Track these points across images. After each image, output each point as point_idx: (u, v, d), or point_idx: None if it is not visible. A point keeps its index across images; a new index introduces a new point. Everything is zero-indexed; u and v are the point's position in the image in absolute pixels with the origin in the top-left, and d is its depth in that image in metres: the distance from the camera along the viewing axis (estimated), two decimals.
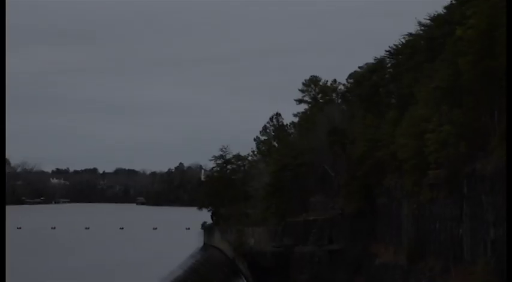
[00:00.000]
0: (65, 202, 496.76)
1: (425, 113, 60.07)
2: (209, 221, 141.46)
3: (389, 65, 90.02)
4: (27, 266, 76.74)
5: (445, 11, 69.74)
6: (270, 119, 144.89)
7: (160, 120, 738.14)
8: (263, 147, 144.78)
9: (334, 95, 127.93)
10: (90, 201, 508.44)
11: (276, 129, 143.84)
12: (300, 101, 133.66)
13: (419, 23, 76.83)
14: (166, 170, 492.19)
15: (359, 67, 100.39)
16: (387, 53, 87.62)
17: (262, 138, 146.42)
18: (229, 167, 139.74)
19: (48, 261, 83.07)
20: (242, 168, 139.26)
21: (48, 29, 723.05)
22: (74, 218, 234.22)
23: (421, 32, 78.25)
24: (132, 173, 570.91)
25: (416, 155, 60.73)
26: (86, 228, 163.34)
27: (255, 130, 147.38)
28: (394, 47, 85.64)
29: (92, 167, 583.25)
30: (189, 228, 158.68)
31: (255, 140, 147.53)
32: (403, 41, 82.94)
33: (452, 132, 54.33)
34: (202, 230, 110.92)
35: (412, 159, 61.61)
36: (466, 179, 51.73)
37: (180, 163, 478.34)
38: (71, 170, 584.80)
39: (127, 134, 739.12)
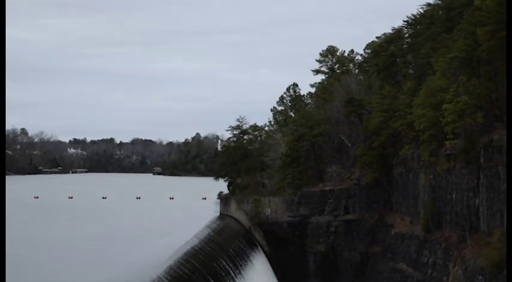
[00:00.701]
0: (82, 172, 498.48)
1: (442, 83, 59.85)
2: (225, 191, 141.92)
3: (407, 35, 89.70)
4: (44, 235, 77.19)
5: None
6: (287, 89, 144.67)
7: (177, 91, 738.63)
8: (280, 118, 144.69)
9: (351, 65, 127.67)
10: (107, 171, 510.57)
11: (292, 99, 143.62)
12: (317, 72, 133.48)
13: None
14: (183, 140, 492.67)
15: (376, 37, 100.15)
16: (405, 23, 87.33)
17: (279, 108, 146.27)
18: (245, 137, 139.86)
19: (64, 230, 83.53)
20: (259, 138, 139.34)
21: (65, 2, 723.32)
22: (91, 187, 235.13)
23: (439, 2, 77.91)
24: (148, 143, 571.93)
25: (434, 126, 60.61)
26: (102, 197, 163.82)
27: (272, 101, 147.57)
28: (412, 17, 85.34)
29: (108, 137, 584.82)
30: (205, 198, 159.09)
31: (271, 110, 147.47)
32: (421, 11, 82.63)
33: (470, 102, 54.16)
34: (219, 200, 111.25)
35: (429, 129, 61.46)
36: (483, 149, 51.58)
37: (197, 133, 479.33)
38: (88, 140, 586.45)
39: (144, 104, 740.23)
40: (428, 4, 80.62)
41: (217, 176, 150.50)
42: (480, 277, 48.04)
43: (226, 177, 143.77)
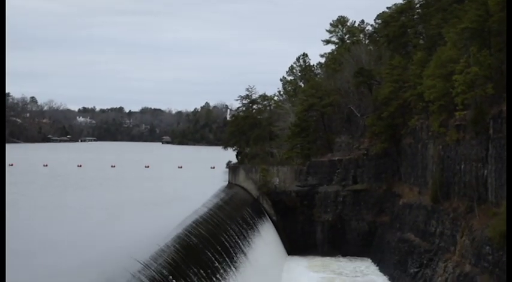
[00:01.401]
0: (91, 140, 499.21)
1: (453, 54, 59.56)
2: (234, 160, 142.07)
3: (418, 5, 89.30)
4: (52, 204, 77.46)
5: None
6: (297, 59, 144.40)
7: (186, 60, 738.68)
8: (289, 88, 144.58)
9: (361, 35, 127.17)
10: (115, 139, 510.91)
11: (302, 69, 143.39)
12: (327, 42, 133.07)
13: None
14: (192, 109, 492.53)
15: (387, 7, 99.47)
16: None
17: (289, 78, 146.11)
18: (255, 106, 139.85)
19: (72, 199, 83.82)
20: (268, 108, 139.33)
21: None
22: (99, 156, 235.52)
23: None
24: (158, 112, 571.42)
25: (443, 96, 60.44)
26: (111, 166, 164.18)
27: (282, 70, 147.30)
28: None
29: (118, 106, 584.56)
30: (214, 167, 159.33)
31: (281, 80, 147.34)
32: None
33: (480, 73, 53.92)
34: (227, 169, 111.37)
35: (439, 100, 61.30)
36: (492, 120, 51.41)
37: (206, 102, 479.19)
38: (97, 108, 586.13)
39: (153, 73, 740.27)
40: None
41: (226, 146, 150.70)
42: (487, 247, 48.13)
43: (235, 147, 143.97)
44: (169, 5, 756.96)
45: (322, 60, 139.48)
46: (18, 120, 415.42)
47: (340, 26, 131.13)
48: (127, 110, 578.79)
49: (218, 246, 54.53)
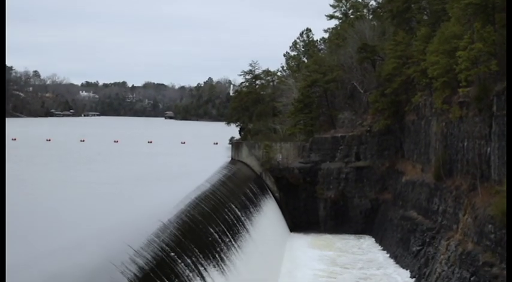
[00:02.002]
0: (94, 115, 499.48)
1: (457, 30, 59.21)
2: (237, 136, 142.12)
3: None
4: (55, 178, 77.50)
5: None
6: (300, 34, 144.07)
7: (190, 35, 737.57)
8: (292, 63, 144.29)
9: (365, 10, 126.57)
10: (119, 114, 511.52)
11: (305, 44, 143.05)
12: (330, 17, 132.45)
13: None
14: (195, 84, 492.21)
15: None
16: None
17: (292, 53, 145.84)
18: (258, 82, 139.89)
19: (75, 173, 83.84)
20: (271, 83, 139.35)
21: None
22: (103, 130, 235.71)
23: None
24: (161, 87, 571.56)
25: (447, 73, 60.15)
26: (114, 141, 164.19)
27: (285, 46, 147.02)
28: None
29: (121, 81, 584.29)
30: (217, 143, 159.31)
31: (284, 55, 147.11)
32: None
33: (484, 50, 53.60)
34: (230, 145, 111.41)
35: (442, 76, 61.01)
36: (496, 97, 51.13)
37: (209, 78, 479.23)
38: (100, 83, 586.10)
39: (157, 48, 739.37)
40: None
41: (229, 121, 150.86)
42: (490, 226, 48.01)
43: (238, 123, 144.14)
44: None
45: (326, 35, 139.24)
46: (21, 94, 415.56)
47: (344, 1, 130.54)
48: (130, 85, 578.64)
49: (221, 223, 54.60)
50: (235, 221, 60.25)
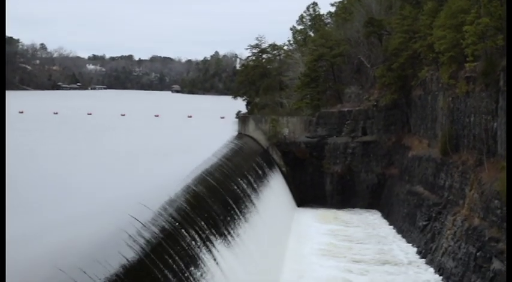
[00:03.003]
0: (101, 88, 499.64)
1: (463, 4, 59.03)
2: (244, 110, 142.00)
3: None
4: (61, 151, 77.84)
5: None
6: (307, 8, 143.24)
7: (197, 8, 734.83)
8: (299, 37, 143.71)
9: None
10: (125, 88, 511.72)
11: (312, 18, 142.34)
12: None
13: None
14: (202, 58, 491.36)
15: None
16: None
17: (299, 27, 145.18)
18: (264, 56, 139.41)
19: (82, 147, 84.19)
20: (278, 57, 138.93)
21: None
22: (109, 104, 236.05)
23: None
24: (167, 60, 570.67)
25: (454, 47, 60.05)
26: (121, 114, 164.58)
27: (292, 20, 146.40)
28: None
29: (127, 54, 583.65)
30: (223, 117, 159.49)
31: (291, 29, 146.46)
32: None
33: (491, 24, 53.45)
34: (237, 119, 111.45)
35: (449, 51, 60.91)
36: (502, 72, 51.05)
37: (216, 51, 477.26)
38: (107, 56, 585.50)
39: (163, 21, 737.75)
40: None
41: (235, 95, 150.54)
42: (496, 201, 48.13)
43: (245, 97, 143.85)
44: None
45: (333, 9, 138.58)
46: (28, 67, 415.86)
47: None
48: (137, 58, 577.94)
49: (227, 197, 54.79)
50: (242, 195, 60.46)
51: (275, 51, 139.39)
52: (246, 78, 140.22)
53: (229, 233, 47.62)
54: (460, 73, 60.49)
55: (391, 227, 77.88)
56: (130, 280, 26.94)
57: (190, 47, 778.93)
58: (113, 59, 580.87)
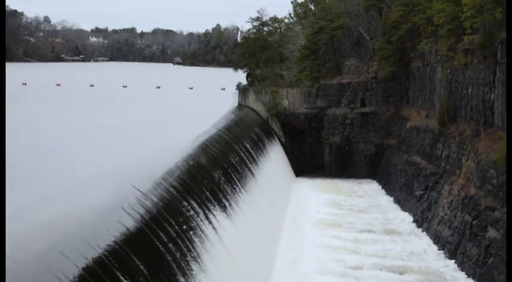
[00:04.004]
0: (103, 60, 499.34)
1: None
2: (244, 82, 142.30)
3: None
4: (64, 122, 78.32)
5: None
6: None
7: None
8: (300, 10, 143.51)
9: None
10: (128, 60, 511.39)
11: None
12: None
13: None
14: (203, 30, 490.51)
15: None
16: None
17: (299, 1, 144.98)
18: (265, 29, 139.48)
19: (85, 118, 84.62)
20: (278, 30, 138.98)
21: None
22: (112, 76, 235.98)
23: None
24: (169, 33, 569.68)
25: (452, 20, 60.45)
26: (123, 86, 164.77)
27: None
28: None
29: (130, 27, 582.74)
30: (224, 89, 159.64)
31: (292, 2, 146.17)
32: None
33: None
34: (237, 91, 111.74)
35: (448, 24, 61.33)
36: (500, 45, 51.50)
37: (217, 24, 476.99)
38: (110, 29, 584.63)
39: None
40: None
41: (236, 67, 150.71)
42: (492, 171, 48.73)
43: (245, 69, 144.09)
44: None
45: None
46: (32, 40, 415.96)
47: None
48: (139, 31, 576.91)
49: (227, 167, 55.27)
50: (242, 165, 60.93)
51: (276, 24, 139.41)
52: (246, 50, 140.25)
53: (229, 202, 48.12)
54: (459, 46, 60.93)
55: (389, 196, 78.59)
56: (130, 248, 27.34)
57: (192, 20, 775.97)
58: (115, 31, 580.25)
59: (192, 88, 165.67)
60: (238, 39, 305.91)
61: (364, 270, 50.73)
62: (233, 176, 54.92)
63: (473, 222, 50.08)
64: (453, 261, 52.18)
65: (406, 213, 68.94)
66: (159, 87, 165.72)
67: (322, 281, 47.63)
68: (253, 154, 69.90)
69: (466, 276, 48.91)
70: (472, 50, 57.38)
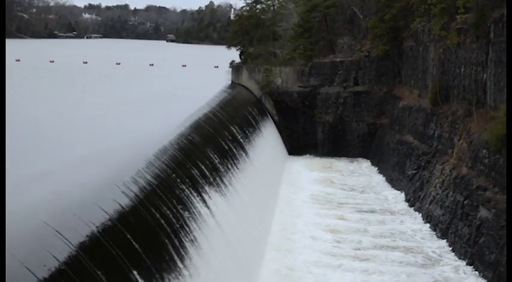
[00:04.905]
0: (96, 37, 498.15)
1: None
2: (237, 59, 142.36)
3: None
4: (58, 99, 78.29)
5: None
6: None
7: None
8: None
9: None
10: (121, 37, 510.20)
11: None
12: None
13: None
14: (196, 7, 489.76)
15: None
16: None
17: None
18: (258, 6, 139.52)
19: (78, 95, 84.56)
20: (272, 8, 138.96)
21: None
22: (105, 53, 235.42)
23: None
24: (163, 10, 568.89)
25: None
26: (117, 63, 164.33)
27: None
28: None
29: (123, 3, 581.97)
30: (217, 67, 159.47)
31: None
32: None
33: None
34: (231, 69, 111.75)
35: (441, 3, 61.33)
36: (493, 24, 51.56)
37: (211, 1, 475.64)
38: (103, 5, 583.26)
39: None
40: None
41: (229, 45, 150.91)
42: (484, 150, 48.94)
43: (239, 46, 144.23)
44: None
45: None
46: (25, 16, 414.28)
47: None
48: (132, 8, 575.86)
49: (221, 145, 55.46)
50: (236, 143, 61.13)
51: (269, 2, 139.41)
52: (240, 28, 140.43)
53: (222, 180, 48.31)
54: (452, 25, 60.93)
55: (381, 175, 78.89)
56: (123, 225, 27.51)
57: None
58: (108, 8, 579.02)
59: (185, 65, 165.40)
60: (232, 16, 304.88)
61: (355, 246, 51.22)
62: (227, 154, 55.11)
63: (465, 202, 50.36)
64: (444, 240, 52.50)
65: (398, 192, 69.30)
66: (152, 65, 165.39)
67: (314, 257, 47.87)
68: (247, 132, 70.07)
69: (457, 255, 49.24)
70: (465, 29, 57.41)
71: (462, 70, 58.72)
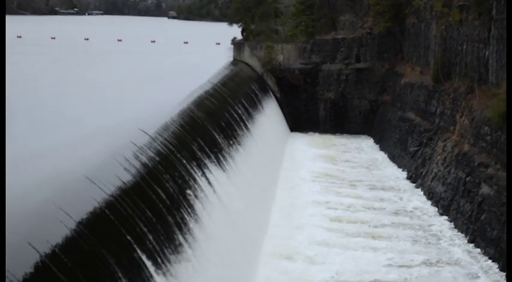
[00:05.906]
0: (98, 14, 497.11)
1: None
2: (239, 36, 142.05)
3: None
4: (60, 77, 78.30)
5: None
6: None
7: None
8: None
9: None
10: (122, 13, 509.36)
11: None
12: None
13: None
14: None
15: None
16: None
17: None
18: None
19: (80, 72, 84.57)
20: None
21: None
22: (106, 29, 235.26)
23: None
24: None
25: None
26: (118, 40, 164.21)
27: None
28: None
29: None
30: (219, 44, 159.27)
31: None
32: None
33: None
34: (232, 46, 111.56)
35: None
36: (495, 1, 51.39)
37: None
38: None
39: None
40: None
41: (231, 22, 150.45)
42: (486, 127, 49.02)
43: (240, 23, 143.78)
44: None
45: None
46: None
47: None
48: None
49: (222, 122, 55.44)
50: (238, 120, 61.11)
51: None
52: (241, 5, 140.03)
53: (224, 157, 48.36)
54: (454, 1, 60.80)
55: (383, 152, 78.95)
56: (125, 202, 27.57)
57: None
58: None
59: (187, 42, 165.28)
60: None
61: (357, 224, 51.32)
62: (229, 131, 55.13)
63: (467, 179, 50.49)
64: (446, 217, 52.64)
65: (400, 169, 69.40)
66: (153, 42, 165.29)
67: (316, 233, 47.93)
68: (249, 109, 70.05)
69: (459, 232, 49.39)
70: (467, 6, 57.30)
71: (464, 47, 58.65)
